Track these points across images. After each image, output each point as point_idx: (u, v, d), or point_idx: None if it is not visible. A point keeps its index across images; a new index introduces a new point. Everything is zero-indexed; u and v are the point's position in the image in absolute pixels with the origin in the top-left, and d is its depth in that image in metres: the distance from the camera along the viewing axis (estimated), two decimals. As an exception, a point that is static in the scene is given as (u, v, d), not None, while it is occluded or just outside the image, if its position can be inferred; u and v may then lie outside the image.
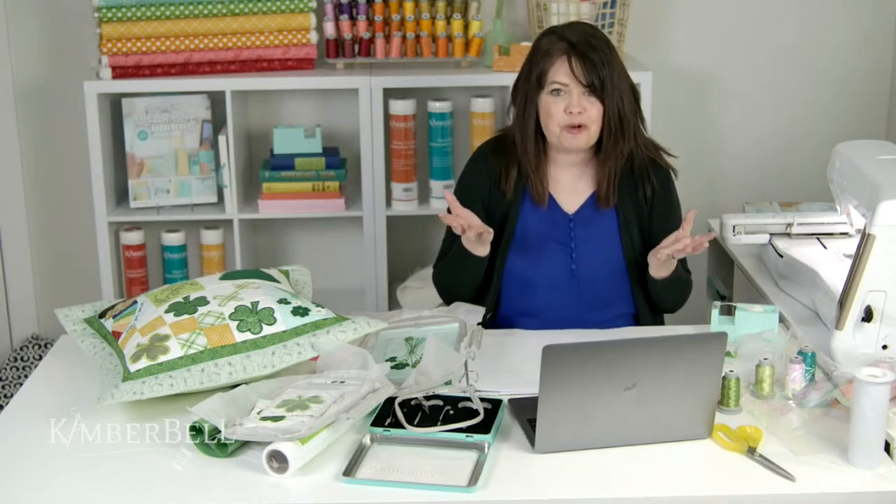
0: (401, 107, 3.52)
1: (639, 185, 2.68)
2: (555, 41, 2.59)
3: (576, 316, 2.67)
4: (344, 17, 3.52)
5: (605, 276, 2.67)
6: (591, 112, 2.57)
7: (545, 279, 2.67)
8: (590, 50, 2.55)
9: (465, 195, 2.67)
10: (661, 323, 2.78)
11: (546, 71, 2.58)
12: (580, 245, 2.67)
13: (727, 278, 3.14)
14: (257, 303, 2.34)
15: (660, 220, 2.69)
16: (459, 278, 2.69)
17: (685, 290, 2.73)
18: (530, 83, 2.61)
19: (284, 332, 2.31)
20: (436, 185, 3.58)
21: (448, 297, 2.75)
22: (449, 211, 2.57)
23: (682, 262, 2.70)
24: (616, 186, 2.65)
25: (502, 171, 2.68)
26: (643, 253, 2.66)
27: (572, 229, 2.68)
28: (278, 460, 2.01)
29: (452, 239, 2.69)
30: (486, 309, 2.68)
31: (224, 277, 2.47)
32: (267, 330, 2.30)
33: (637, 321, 2.73)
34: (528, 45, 3.41)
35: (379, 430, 2.12)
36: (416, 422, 2.14)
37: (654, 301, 2.71)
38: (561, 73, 2.56)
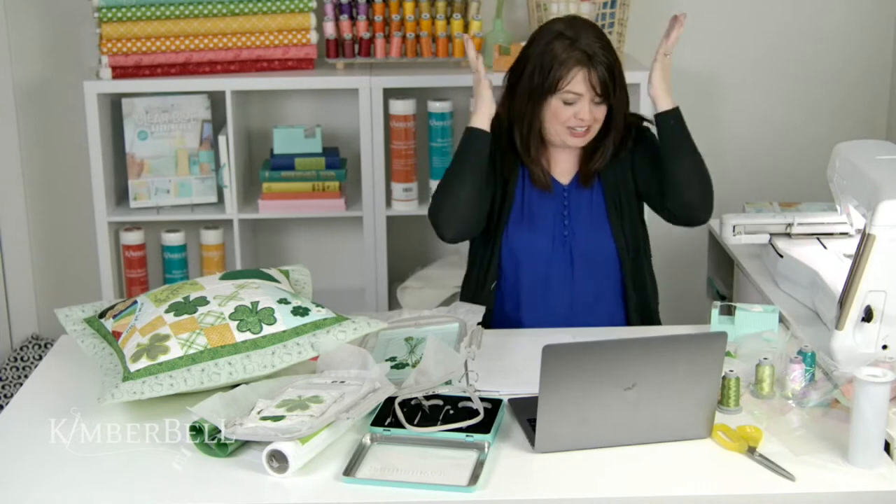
0: (401, 107, 3.52)
1: (618, 153, 2.73)
2: (569, 48, 2.60)
3: (569, 289, 2.72)
4: (344, 17, 3.52)
5: (596, 245, 2.72)
6: (598, 115, 2.65)
7: (541, 248, 2.71)
8: (605, 61, 2.61)
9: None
10: (647, 305, 2.80)
11: (562, 78, 2.61)
12: (573, 213, 2.73)
13: (727, 278, 3.14)
14: (257, 303, 2.34)
15: (645, 162, 2.74)
16: (458, 177, 2.66)
17: (701, 165, 2.69)
18: (542, 86, 2.62)
19: (284, 331, 2.31)
20: (436, 185, 3.57)
21: (445, 214, 2.67)
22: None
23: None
24: (598, 165, 2.72)
25: (497, 152, 2.72)
26: (632, 226, 2.74)
27: (566, 198, 2.74)
28: (278, 460, 2.02)
29: None
30: (488, 281, 2.74)
31: (224, 277, 2.47)
32: (267, 330, 2.30)
33: (625, 301, 2.76)
34: (528, 44, 3.42)
35: (379, 429, 2.13)
36: (416, 422, 2.14)
37: (674, 172, 2.67)
38: (578, 83, 2.61)
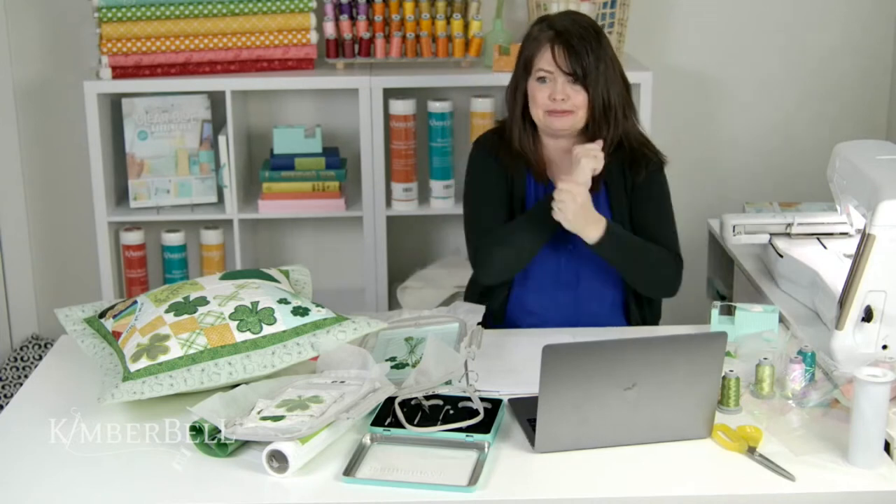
0: (401, 107, 3.52)
1: (630, 170, 2.70)
2: (544, 29, 2.64)
3: (573, 298, 2.70)
4: (344, 17, 3.52)
5: (596, 260, 2.67)
6: (576, 99, 2.61)
7: (545, 257, 2.69)
8: (574, 38, 2.59)
9: (486, 190, 2.73)
10: (650, 313, 2.78)
11: (532, 58, 2.64)
12: None
13: (727, 278, 3.14)
14: (257, 303, 2.34)
15: (644, 201, 2.70)
16: (533, 240, 2.64)
17: (648, 259, 2.65)
18: (519, 70, 2.68)
19: (284, 331, 2.31)
20: (436, 185, 3.58)
21: (505, 267, 2.68)
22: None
23: (666, 238, 2.69)
24: (602, 174, 2.66)
25: (504, 156, 2.71)
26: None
27: None
28: (278, 460, 2.02)
29: (493, 219, 2.69)
30: (497, 293, 2.73)
31: (224, 277, 2.47)
32: (267, 330, 2.30)
33: (626, 308, 2.74)
34: (528, 45, 3.43)
35: (379, 429, 2.12)
36: (416, 422, 2.14)
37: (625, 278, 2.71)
38: (545, 60, 2.61)
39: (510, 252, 2.66)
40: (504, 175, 2.72)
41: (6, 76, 3.73)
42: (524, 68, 2.66)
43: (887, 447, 2.07)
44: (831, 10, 3.80)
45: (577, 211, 2.54)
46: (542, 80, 2.62)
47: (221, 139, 3.48)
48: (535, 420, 2.07)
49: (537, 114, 2.65)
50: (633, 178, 2.70)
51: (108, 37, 3.43)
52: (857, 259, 2.31)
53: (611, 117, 2.63)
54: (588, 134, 2.66)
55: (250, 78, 3.49)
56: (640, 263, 2.66)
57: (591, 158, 2.57)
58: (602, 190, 2.69)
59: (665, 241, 2.70)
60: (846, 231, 2.85)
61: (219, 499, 1.99)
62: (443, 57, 3.54)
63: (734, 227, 2.91)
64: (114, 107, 3.56)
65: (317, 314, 2.36)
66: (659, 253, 2.68)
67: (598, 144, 2.60)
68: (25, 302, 3.90)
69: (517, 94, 2.69)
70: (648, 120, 3.37)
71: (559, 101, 2.60)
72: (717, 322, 2.51)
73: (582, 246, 2.63)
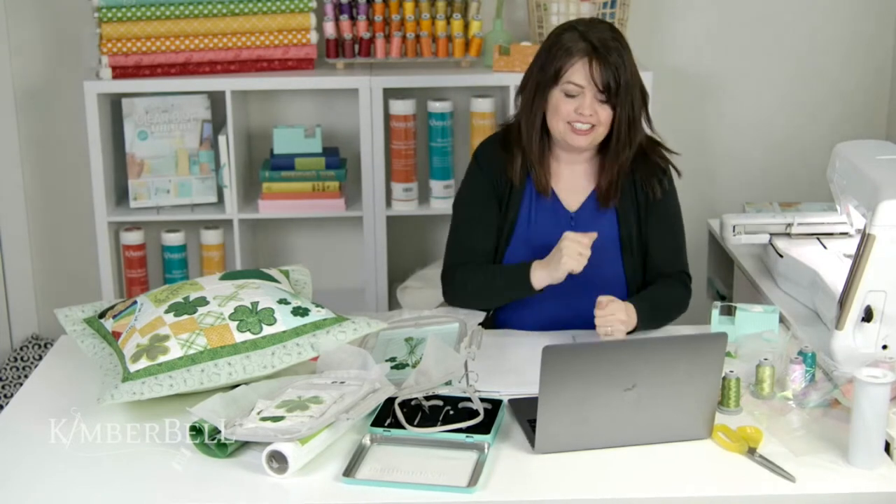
0: (401, 107, 3.52)
1: (642, 186, 2.65)
2: (577, 39, 2.54)
3: (573, 314, 2.65)
4: (344, 17, 3.52)
5: (603, 276, 2.64)
6: (601, 115, 2.54)
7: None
8: (613, 54, 2.51)
9: (474, 211, 2.68)
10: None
11: (563, 68, 2.54)
12: None
13: (727, 278, 3.14)
14: (257, 303, 2.34)
15: (656, 220, 2.67)
16: (497, 298, 2.65)
17: (669, 312, 2.65)
18: (545, 76, 2.57)
19: (284, 332, 2.31)
20: (436, 185, 3.58)
21: (464, 303, 2.67)
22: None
23: (678, 272, 2.69)
24: (618, 188, 2.64)
25: (507, 163, 2.66)
26: (641, 253, 2.66)
27: (573, 227, 2.64)
28: (278, 460, 2.02)
29: (474, 240, 2.67)
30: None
31: (224, 277, 2.47)
32: (267, 330, 2.30)
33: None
34: (528, 44, 3.42)
35: (379, 430, 2.13)
36: (416, 422, 2.14)
37: None
38: (579, 74, 2.53)
39: (476, 297, 2.64)
40: (497, 192, 2.66)
41: (6, 76, 3.73)
42: (553, 77, 2.55)
43: (887, 447, 2.07)
44: (831, 10, 3.80)
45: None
46: (570, 92, 2.54)
47: (221, 139, 3.48)
48: (535, 421, 2.07)
49: (558, 126, 2.57)
50: (649, 194, 2.65)
51: (108, 37, 3.43)
52: (857, 259, 2.31)
53: (633, 133, 2.57)
54: (608, 151, 2.60)
55: (250, 78, 3.49)
56: (663, 319, 2.63)
57: (576, 257, 2.49)
58: (612, 214, 2.65)
59: (675, 261, 2.68)
60: (846, 231, 2.85)
61: (219, 499, 1.99)
62: (443, 57, 3.54)
63: (734, 227, 2.91)
64: (114, 107, 3.57)
65: (317, 314, 2.36)
66: (675, 293, 2.66)
67: (590, 239, 2.52)
68: (25, 302, 3.90)
69: (537, 101, 2.59)
70: (648, 120, 3.37)
71: (586, 116, 2.53)
72: (717, 322, 2.51)
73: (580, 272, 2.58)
